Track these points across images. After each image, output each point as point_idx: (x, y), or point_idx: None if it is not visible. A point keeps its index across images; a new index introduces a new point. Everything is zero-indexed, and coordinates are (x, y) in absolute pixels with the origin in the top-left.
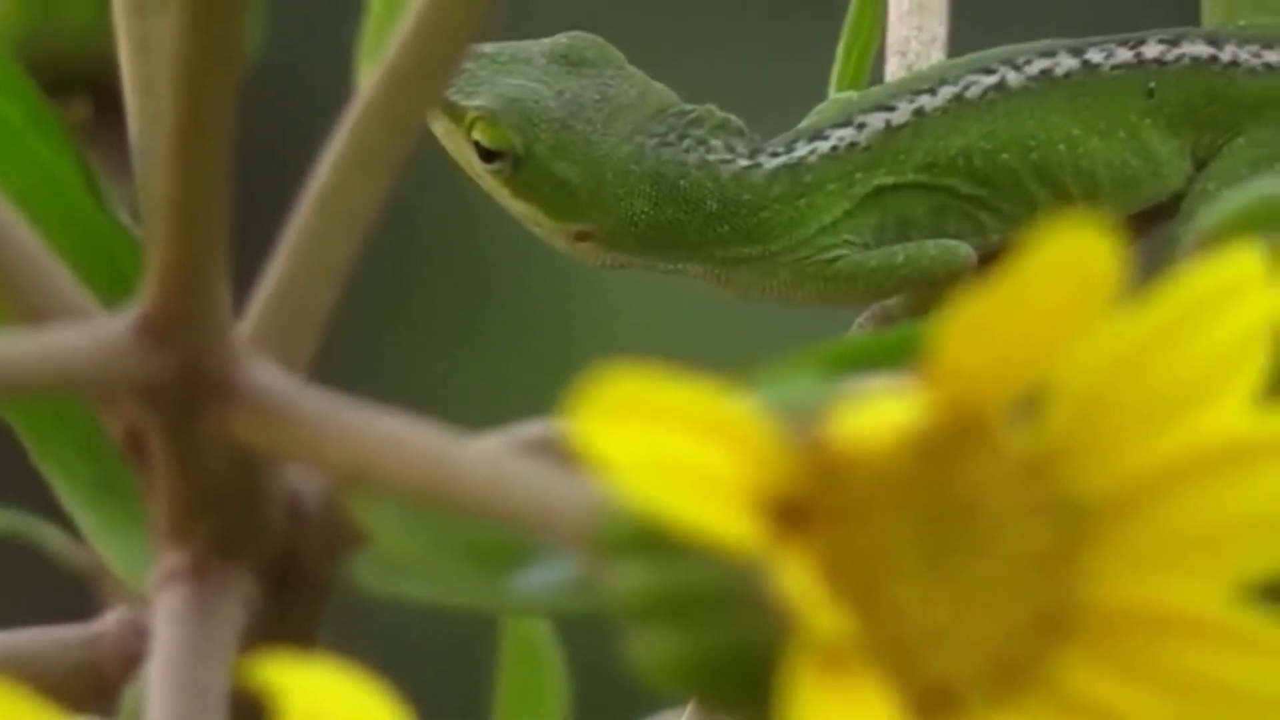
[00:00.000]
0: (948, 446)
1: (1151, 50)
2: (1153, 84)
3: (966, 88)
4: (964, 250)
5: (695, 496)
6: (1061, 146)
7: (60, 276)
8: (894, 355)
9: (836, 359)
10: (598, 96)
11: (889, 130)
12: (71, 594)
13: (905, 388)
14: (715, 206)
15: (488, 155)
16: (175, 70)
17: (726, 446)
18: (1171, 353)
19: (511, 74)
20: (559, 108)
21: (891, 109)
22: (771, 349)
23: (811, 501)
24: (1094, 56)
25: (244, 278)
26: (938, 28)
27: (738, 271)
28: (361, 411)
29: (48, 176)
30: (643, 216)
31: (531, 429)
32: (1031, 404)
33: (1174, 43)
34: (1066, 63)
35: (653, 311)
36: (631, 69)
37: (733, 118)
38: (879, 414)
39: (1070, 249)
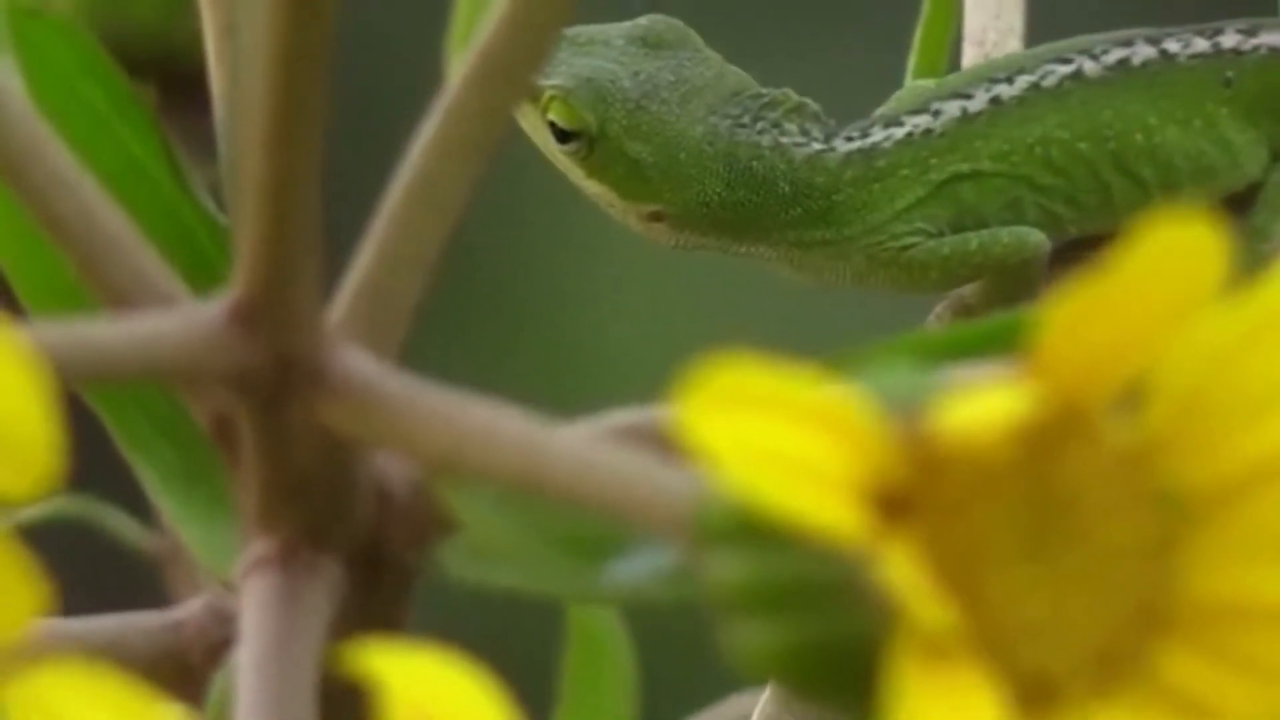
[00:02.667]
0: (1049, 438)
1: (1229, 40)
2: (1230, 73)
3: (1043, 77)
4: (1037, 238)
5: (798, 486)
6: (1139, 136)
7: (149, 261)
8: (989, 346)
9: (934, 348)
10: (673, 78)
11: (965, 118)
12: (131, 583)
13: (1007, 378)
14: (788, 189)
15: (563, 135)
16: (269, 51)
17: (830, 436)
18: (1268, 348)
19: (589, 55)
20: (634, 88)
21: (968, 97)
22: (791, 351)
23: (914, 492)
24: (1171, 46)
25: (334, 264)
26: (1015, 17)
27: (811, 255)
28: (452, 399)
29: (133, 162)
30: (715, 197)
31: (621, 418)
32: (1133, 396)
33: (1251, 32)
34: (1143, 52)
35: (663, 309)
36: (709, 52)
37: (809, 102)
38: (983, 405)
39: (1175, 242)
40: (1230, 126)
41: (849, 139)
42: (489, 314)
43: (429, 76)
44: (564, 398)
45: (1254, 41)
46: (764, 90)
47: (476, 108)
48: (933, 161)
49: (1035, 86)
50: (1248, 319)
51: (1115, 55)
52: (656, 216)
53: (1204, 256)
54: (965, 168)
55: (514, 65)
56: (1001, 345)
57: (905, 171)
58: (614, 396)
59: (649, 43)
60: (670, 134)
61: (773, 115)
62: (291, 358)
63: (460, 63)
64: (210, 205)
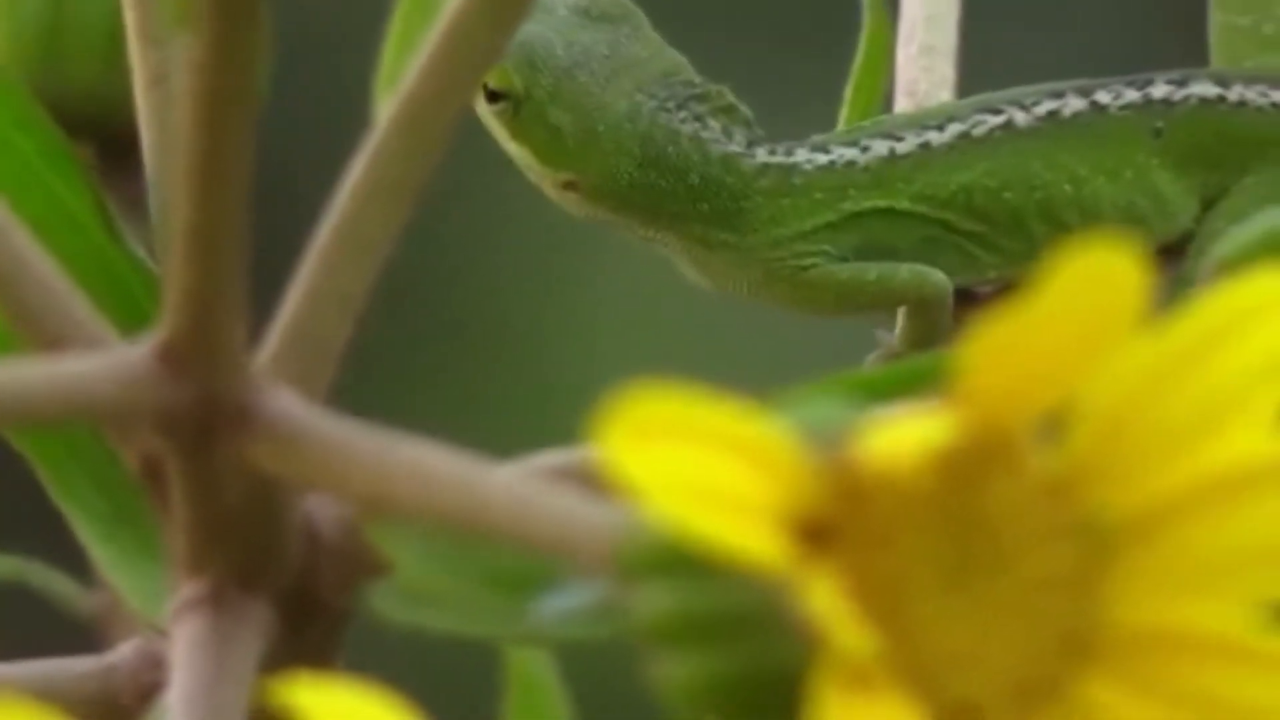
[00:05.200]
0: (972, 467)
1: (1159, 91)
2: (1160, 124)
3: (974, 126)
4: (937, 278)
5: (722, 517)
6: (1067, 186)
7: (77, 306)
8: (917, 383)
9: (860, 385)
10: (606, 51)
11: (892, 157)
12: (72, 640)
13: (930, 410)
14: (698, 181)
15: (492, 95)
16: (194, 97)
17: (753, 466)
18: (1192, 376)
19: (530, 19)
20: (565, 56)
21: (898, 139)
22: (762, 385)
23: (837, 522)
24: (1102, 97)
25: (261, 306)
26: (947, 69)
27: (712, 257)
28: (382, 438)
29: (62, 210)
30: (627, 175)
31: (552, 456)
32: (1055, 425)
33: (1181, 83)
34: (1074, 103)
35: (643, 343)
36: (649, 31)
37: (741, 106)
38: (904, 434)
39: (1096, 269)
40: (1161, 177)
41: (771, 151)
42: (463, 351)
43: (356, 119)
44: (540, 435)
45: (1184, 92)
46: (698, 81)
47: (402, 150)
48: (850, 192)
49: (965, 135)
50: (1170, 348)
51: (1046, 106)
52: (571, 186)
53: (1124, 283)
54: (882, 204)
55: (439, 109)
56: (928, 384)
57: (819, 195)
58: (564, 435)
59: (591, 15)
60: (593, 105)
61: (699, 107)
62: (218, 398)
63: (386, 105)
64: (142, 255)
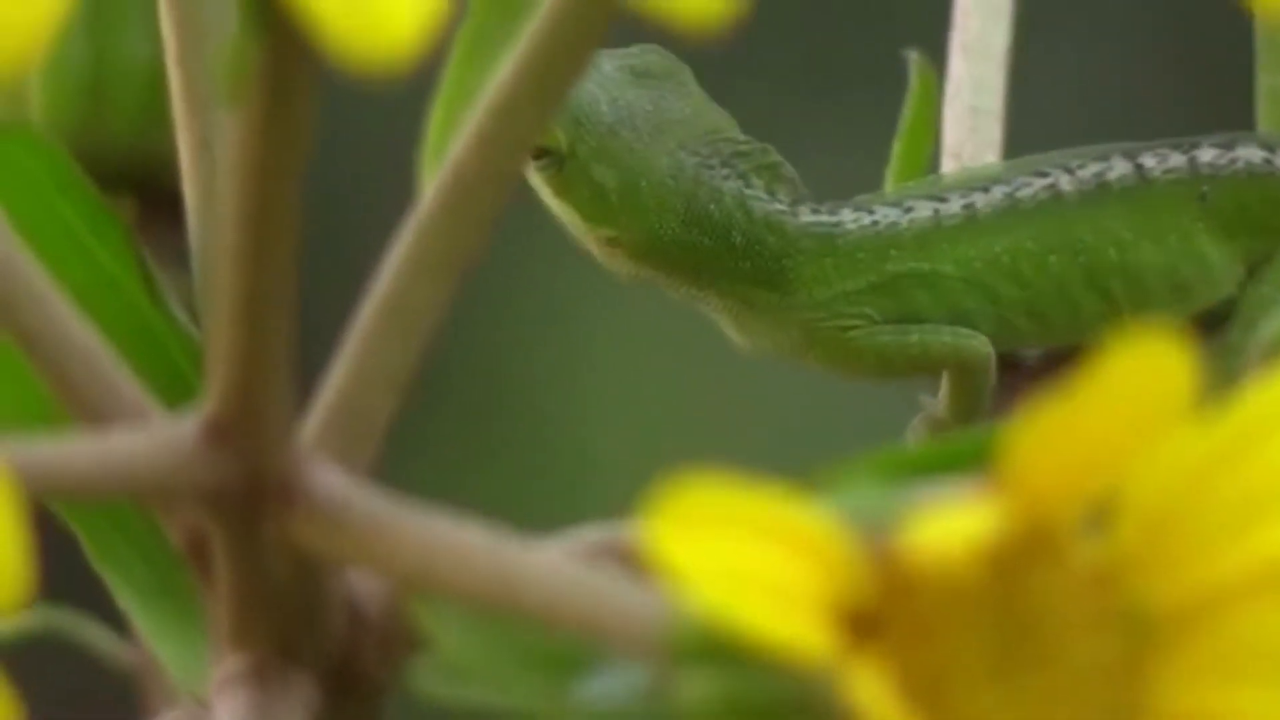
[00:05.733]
0: (1018, 557)
1: (1206, 155)
2: (1206, 189)
3: (1019, 189)
4: (979, 343)
5: (766, 605)
6: (1112, 251)
7: (121, 377)
8: (961, 462)
9: (906, 464)
10: (650, 108)
11: (936, 219)
12: (113, 700)
13: (975, 497)
14: (740, 240)
15: (537, 153)
16: (242, 166)
17: (798, 556)
18: (1241, 466)
19: None
20: (610, 113)
21: (943, 200)
22: (796, 454)
23: (883, 612)
24: (1148, 161)
25: (307, 380)
26: (994, 130)
27: (752, 317)
28: (424, 516)
29: (105, 277)
30: (670, 232)
31: (591, 533)
32: (1101, 514)
33: (1228, 147)
34: (1120, 167)
35: (679, 417)
36: (695, 88)
37: (786, 165)
38: (950, 525)
39: (1144, 359)
40: (1206, 243)
41: (814, 211)
42: (470, 423)
43: (402, 193)
44: (548, 507)
45: (1230, 156)
46: (742, 139)
47: (448, 225)
48: (893, 253)
49: (1010, 198)
50: (1218, 438)
51: (1091, 170)
52: (614, 243)
53: (1173, 374)
54: (925, 267)
55: (485, 183)
56: (973, 462)
57: (862, 256)
58: (599, 506)
59: (636, 71)
60: (636, 162)
61: (743, 165)
62: (263, 475)
63: (432, 180)
64: (184, 319)
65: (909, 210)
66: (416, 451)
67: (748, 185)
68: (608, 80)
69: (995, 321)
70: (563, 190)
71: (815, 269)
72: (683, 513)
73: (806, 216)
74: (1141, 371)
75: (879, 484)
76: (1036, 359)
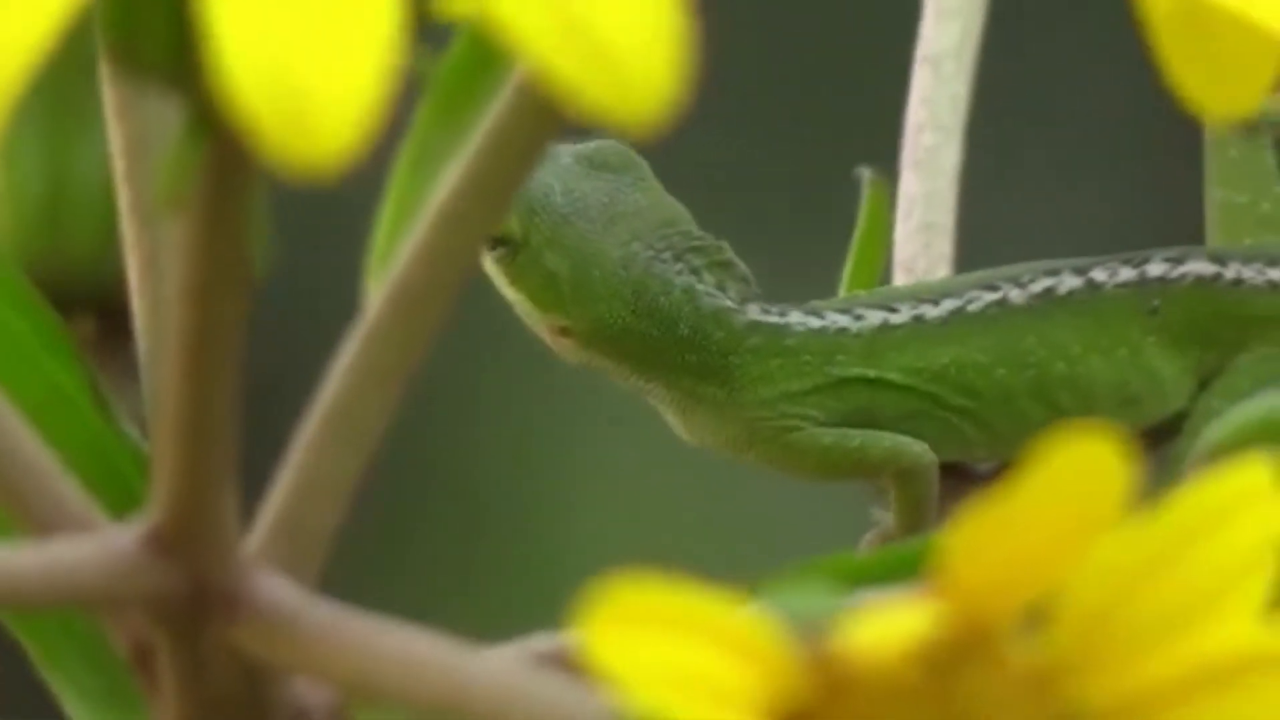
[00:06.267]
0: (955, 657)
1: (1155, 268)
2: (1156, 302)
3: (969, 302)
4: (920, 449)
5: (704, 707)
6: (1061, 364)
7: (68, 489)
8: (901, 570)
9: (846, 571)
10: (605, 199)
11: (885, 327)
12: None
13: (914, 600)
14: (687, 333)
15: (492, 242)
16: (184, 282)
17: (735, 656)
18: (1178, 566)
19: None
20: (564, 203)
21: (893, 310)
22: (754, 562)
23: (820, 711)
24: (1098, 275)
25: (252, 490)
26: (945, 246)
27: (696, 410)
28: (370, 624)
29: (56, 391)
30: (619, 322)
31: (541, 641)
32: (1037, 615)
33: (1178, 261)
34: (1070, 281)
35: (632, 523)
36: (653, 182)
37: (739, 263)
38: (887, 625)
39: (1080, 461)
40: (1156, 356)
41: (764, 310)
42: (451, 534)
43: (348, 303)
44: (528, 618)
45: (1181, 270)
46: (697, 233)
47: (394, 335)
48: (840, 358)
49: (960, 311)
50: (1153, 539)
51: (1042, 284)
52: (565, 332)
53: (1109, 476)
54: (871, 373)
55: (428, 295)
56: (916, 569)
57: (808, 358)
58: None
59: (593, 163)
60: (589, 251)
61: (695, 260)
62: (208, 584)
63: (377, 292)
64: (135, 434)
65: (858, 317)
66: (395, 566)
67: (699, 279)
68: (563, 171)
69: (940, 429)
70: (516, 278)
71: (760, 367)
72: (617, 614)
73: (755, 314)
74: (1077, 473)
75: (819, 588)
76: (988, 469)
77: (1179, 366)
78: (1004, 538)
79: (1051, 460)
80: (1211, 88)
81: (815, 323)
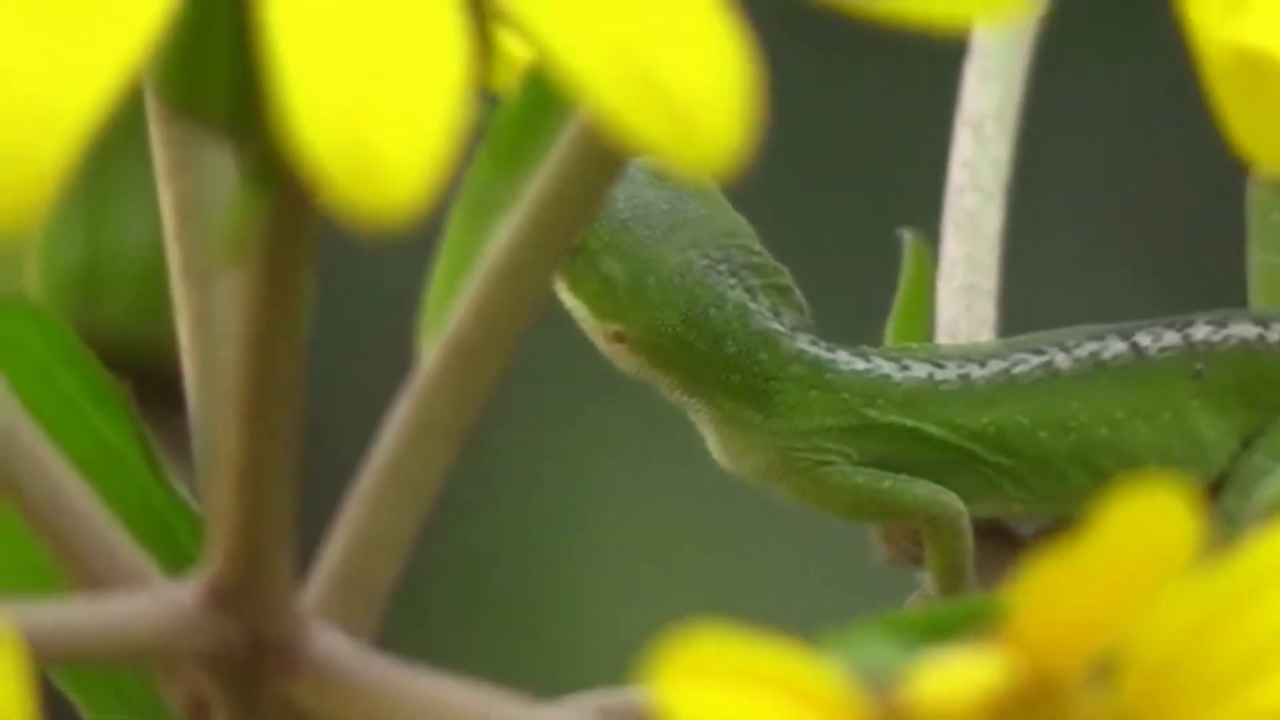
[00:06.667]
0: (1023, 708)
1: (1199, 332)
2: (1200, 366)
3: (1015, 365)
4: (950, 499)
5: None
6: (1104, 429)
7: (121, 544)
8: (964, 625)
9: (909, 626)
10: (666, 207)
11: (929, 381)
12: None
13: (982, 651)
14: (734, 350)
15: None
16: (242, 335)
17: (808, 707)
18: (1242, 619)
19: None
20: (625, 209)
21: (940, 366)
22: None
23: None
24: (1142, 340)
25: (309, 544)
26: (988, 309)
27: (734, 433)
28: (430, 680)
29: (106, 448)
30: (670, 330)
31: (602, 696)
32: (1105, 666)
33: (1222, 324)
34: (1115, 346)
35: (674, 584)
36: (716, 194)
37: (796, 291)
38: (956, 675)
39: (1147, 514)
40: (1201, 419)
41: (813, 341)
42: (512, 591)
43: (403, 357)
44: (543, 671)
45: (1225, 333)
46: (758, 249)
47: (448, 391)
48: (880, 402)
49: (1006, 373)
50: (1218, 592)
51: (1087, 349)
52: (619, 338)
53: (1175, 529)
54: (909, 423)
55: (484, 349)
56: (974, 625)
57: (848, 396)
58: (595, 671)
59: (659, 174)
60: (646, 256)
61: (751, 278)
62: (265, 639)
63: (432, 346)
64: (185, 494)
65: (904, 367)
66: (409, 621)
67: (753, 298)
68: (627, 179)
69: (977, 481)
70: (573, 283)
71: (801, 397)
72: (690, 666)
73: (803, 343)
74: (1145, 526)
75: (885, 641)
76: (1031, 532)
77: (1222, 429)
78: (1071, 589)
79: (1119, 512)
80: (1267, 139)
81: (860, 365)
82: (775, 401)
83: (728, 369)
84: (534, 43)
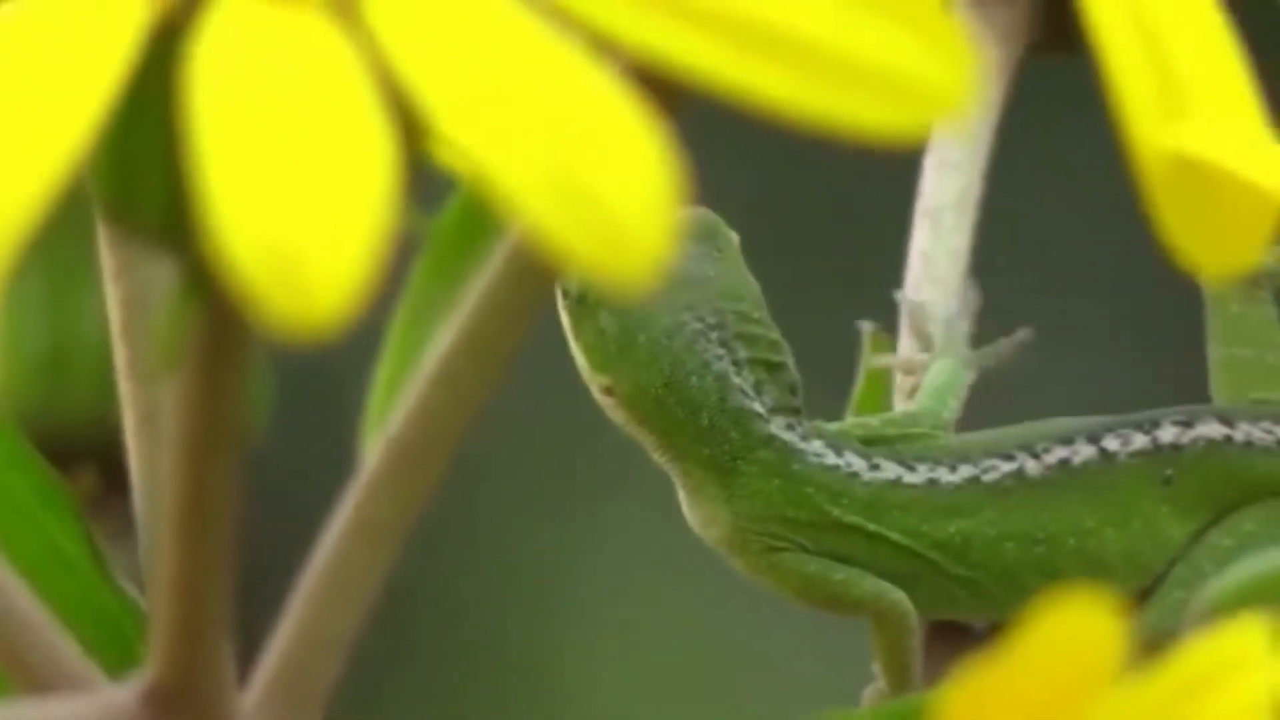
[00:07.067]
0: None
1: (1167, 434)
2: (1170, 471)
3: (985, 471)
4: (899, 598)
5: None
6: (1071, 540)
7: (66, 649)
8: None
9: None
10: (674, 264)
11: (897, 484)
12: None
13: None
14: (706, 423)
15: (563, 291)
16: (179, 439)
17: None
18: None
19: None
20: None
21: (910, 468)
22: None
23: None
24: (1110, 444)
25: (251, 645)
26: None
27: (700, 503)
28: None
29: (55, 551)
30: (652, 391)
31: None
32: None
33: (1188, 424)
34: (1084, 451)
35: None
36: (732, 256)
37: (790, 368)
38: None
39: (1074, 622)
40: (1170, 523)
41: (789, 426)
42: (461, 676)
43: (344, 460)
44: None
45: (1192, 434)
46: (757, 318)
47: (389, 491)
48: (844, 501)
49: (974, 480)
50: (1153, 696)
51: (1057, 455)
52: (609, 391)
53: (1104, 635)
54: (872, 527)
55: (426, 451)
56: None
57: (811, 491)
58: None
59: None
60: (639, 315)
61: (741, 350)
62: None
63: (374, 447)
64: (133, 591)
65: (875, 466)
66: (373, 705)
67: (737, 372)
68: None
69: (933, 592)
70: (574, 330)
71: (764, 484)
72: None
73: (775, 428)
74: (1072, 634)
75: None
76: (984, 627)
77: (1189, 530)
78: (1003, 694)
79: (1047, 621)
80: (1209, 247)
81: (830, 459)
82: (738, 483)
83: (699, 440)
84: (462, 158)
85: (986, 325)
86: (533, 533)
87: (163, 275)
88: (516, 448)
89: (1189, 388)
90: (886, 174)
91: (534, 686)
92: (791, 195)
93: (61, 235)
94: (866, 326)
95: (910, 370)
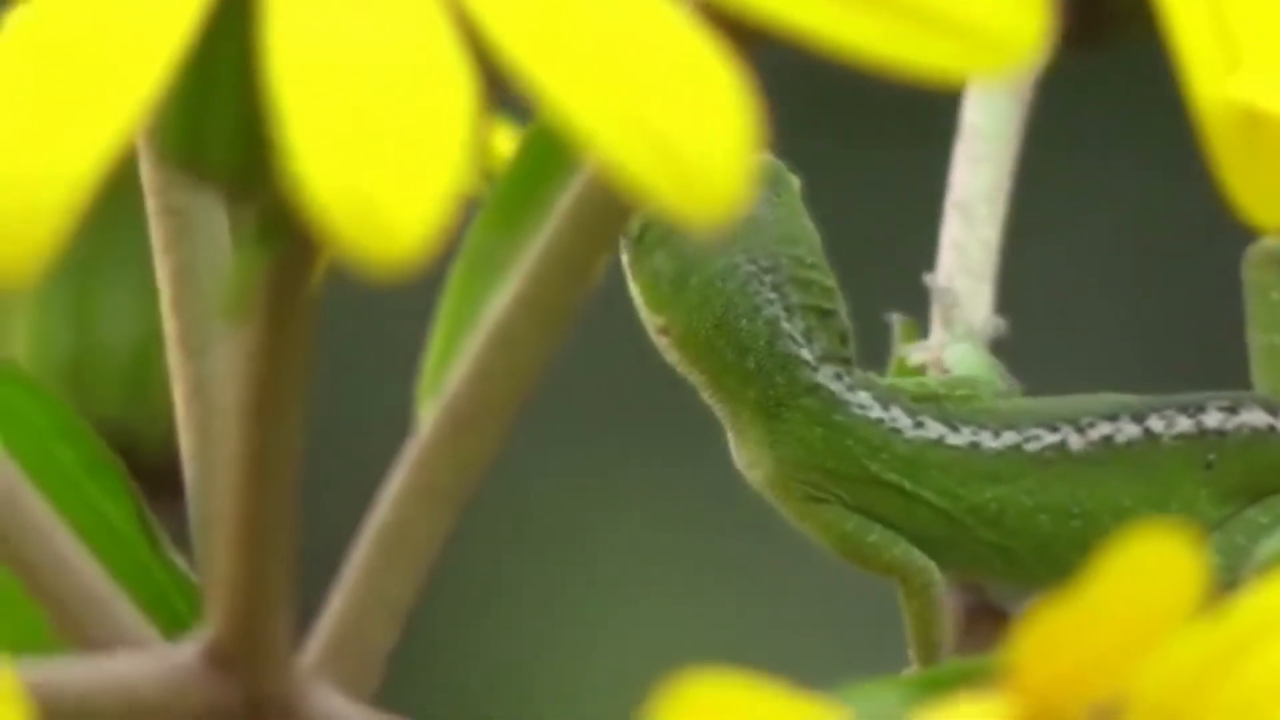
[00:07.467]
0: None
1: (1211, 419)
2: (1212, 456)
3: (1028, 440)
4: (925, 566)
5: None
6: (1107, 517)
7: (122, 608)
8: (970, 682)
9: (915, 685)
10: None
11: (939, 445)
12: None
13: (985, 699)
14: (753, 367)
15: (624, 234)
16: (243, 397)
17: None
18: (1243, 665)
19: None
20: None
21: (954, 428)
22: None
23: None
24: (1155, 425)
25: (310, 605)
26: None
27: (744, 445)
28: None
29: (103, 522)
30: (704, 333)
31: None
32: (1107, 712)
33: (1233, 410)
34: (1128, 430)
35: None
36: (792, 202)
37: (843, 317)
38: (961, 718)
39: (1150, 559)
40: (1208, 507)
41: (837, 376)
42: (467, 647)
43: (400, 423)
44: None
45: (1236, 421)
46: (812, 263)
47: (446, 457)
48: (883, 457)
49: (1017, 448)
50: (1220, 640)
51: (1100, 431)
52: (663, 332)
53: (1180, 575)
54: (908, 485)
55: (482, 414)
56: (981, 682)
57: (852, 444)
58: None
59: None
60: (694, 256)
61: (794, 295)
62: (264, 699)
63: (429, 410)
64: (183, 566)
65: (919, 424)
66: (425, 672)
67: (788, 317)
68: None
69: (965, 555)
70: (632, 273)
71: (806, 432)
72: (692, 710)
73: (822, 377)
74: (1148, 572)
75: (888, 694)
76: (1019, 609)
77: (1228, 515)
78: (1074, 636)
79: (1122, 558)
80: (1266, 198)
81: (875, 413)
82: (782, 429)
83: (746, 382)
84: (540, 98)
85: (1016, 318)
86: (529, 537)
87: (215, 244)
88: (513, 453)
89: (1223, 377)
90: (915, 166)
91: (529, 688)
92: (824, 190)
93: (87, 243)
94: (896, 317)
95: (938, 361)
